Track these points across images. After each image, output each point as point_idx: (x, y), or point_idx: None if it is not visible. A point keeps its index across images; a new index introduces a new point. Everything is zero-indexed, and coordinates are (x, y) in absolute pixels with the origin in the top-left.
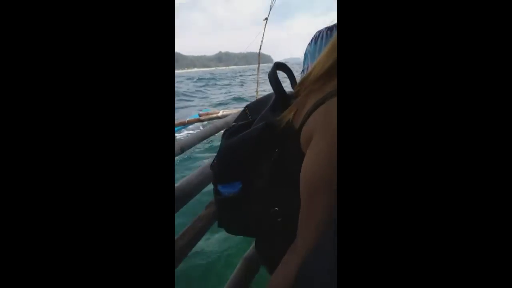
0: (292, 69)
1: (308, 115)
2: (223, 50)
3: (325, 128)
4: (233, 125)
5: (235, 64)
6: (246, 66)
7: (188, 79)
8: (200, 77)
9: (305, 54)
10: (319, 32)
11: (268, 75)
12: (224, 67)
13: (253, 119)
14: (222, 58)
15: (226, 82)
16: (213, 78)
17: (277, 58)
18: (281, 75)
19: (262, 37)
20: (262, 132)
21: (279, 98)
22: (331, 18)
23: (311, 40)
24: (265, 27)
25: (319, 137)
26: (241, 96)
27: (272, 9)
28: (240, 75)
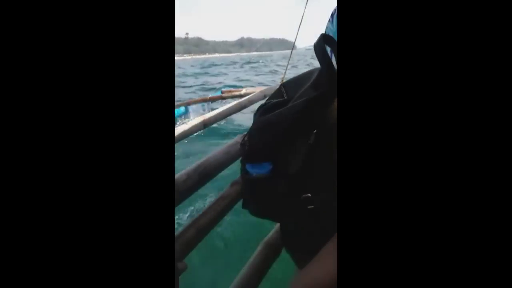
0: (312, 54)
1: None
2: (245, 35)
3: None
4: (267, 102)
5: (257, 50)
6: (269, 52)
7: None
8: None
9: (325, 33)
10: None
11: (314, 46)
12: (245, 53)
13: (289, 98)
14: (244, 44)
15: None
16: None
17: (300, 44)
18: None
19: (302, 17)
20: (301, 110)
21: (326, 73)
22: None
23: (331, 17)
24: (306, 4)
25: None
26: None
27: None
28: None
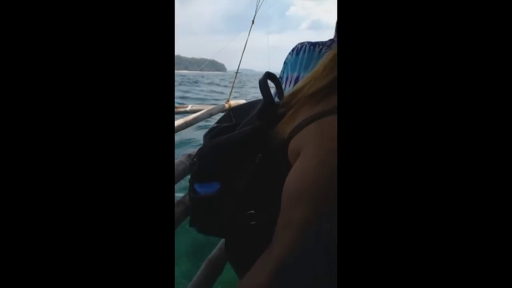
0: (244, 79)
1: (300, 128)
2: (175, 53)
3: (316, 144)
4: (216, 126)
5: (185, 69)
6: (198, 72)
7: None
8: None
9: (285, 63)
10: (301, 44)
11: (259, 82)
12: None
13: (237, 123)
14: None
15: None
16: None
17: (230, 67)
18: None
19: (246, 40)
20: (248, 136)
21: (268, 106)
22: (283, 37)
23: (292, 51)
24: (250, 30)
25: (309, 152)
26: None
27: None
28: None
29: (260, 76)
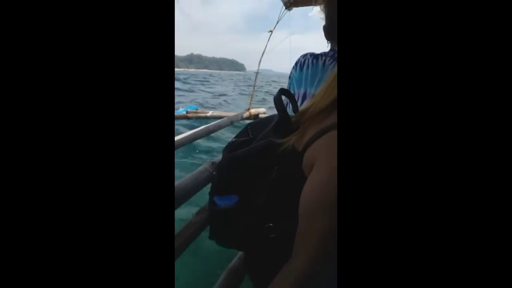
0: (263, 78)
1: (312, 140)
2: (196, 52)
3: (328, 155)
4: (234, 140)
5: (206, 67)
6: (218, 71)
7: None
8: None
9: (290, 78)
10: (304, 58)
11: (274, 99)
12: (194, 69)
13: (254, 137)
14: (193, 60)
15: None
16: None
17: (250, 67)
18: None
19: (265, 48)
20: (264, 149)
21: (283, 121)
22: (305, 38)
23: (296, 65)
24: (269, 39)
25: (322, 163)
26: None
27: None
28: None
29: (279, 77)
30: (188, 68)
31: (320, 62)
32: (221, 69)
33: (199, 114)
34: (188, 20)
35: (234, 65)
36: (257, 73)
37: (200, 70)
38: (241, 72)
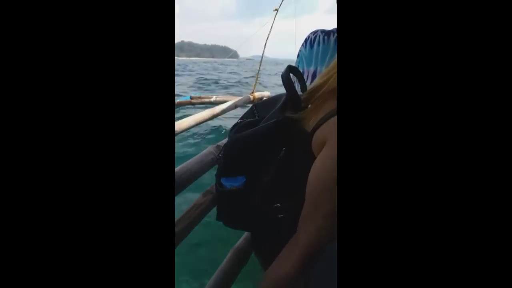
0: (256, 65)
1: (324, 120)
2: (186, 39)
3: None
4: (240, 121)
5: (197, 56)
6: (210, 58)
7: None
8: None
9: (299, 56)
10: (314, 34)
11: (281, 76)
12: (184, 58)
13: (260, 118)
14: (184, 48)
15: None
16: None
17: (243, 54)
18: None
19: (270, 29)
20: (272, 130)
21: (291, 100)
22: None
23: (305, 42)
24: (274, 18)
25: (332, 144)
26: None
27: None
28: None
29: (273, 64)
30: (179, 56)
31: (332, 39)
32: (213, 57)
33: (203, 100)
34: (178, 6)
35: (227, 52)
36: (262, 57)
37: (192, 58)
38: (233, 59)
